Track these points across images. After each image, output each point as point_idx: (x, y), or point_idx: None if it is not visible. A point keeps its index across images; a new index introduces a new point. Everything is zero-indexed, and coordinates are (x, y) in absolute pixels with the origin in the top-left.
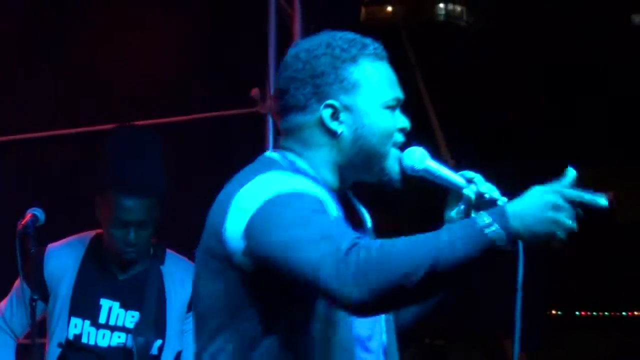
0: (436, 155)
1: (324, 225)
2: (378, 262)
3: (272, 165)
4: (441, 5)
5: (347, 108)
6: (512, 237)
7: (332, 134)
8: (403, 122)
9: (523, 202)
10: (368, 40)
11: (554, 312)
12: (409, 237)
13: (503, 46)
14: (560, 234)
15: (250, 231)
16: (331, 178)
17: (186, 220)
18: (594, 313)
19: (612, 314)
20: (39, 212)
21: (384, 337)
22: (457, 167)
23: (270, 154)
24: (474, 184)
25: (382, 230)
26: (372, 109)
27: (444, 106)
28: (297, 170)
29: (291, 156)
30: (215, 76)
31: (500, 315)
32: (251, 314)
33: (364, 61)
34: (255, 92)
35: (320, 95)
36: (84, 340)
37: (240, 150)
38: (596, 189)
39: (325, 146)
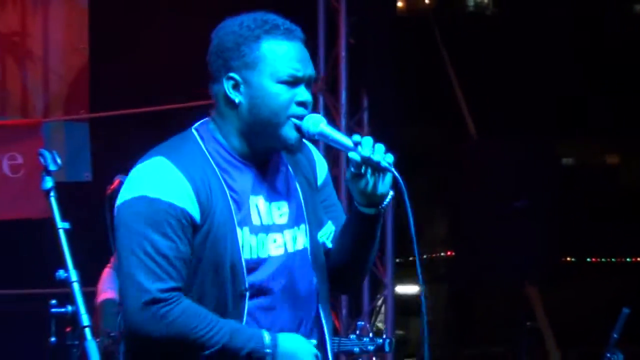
0: (463, 130)
1: (142, 263)
2: (168, 326)
3: (186, 141)
4: None
5: (246, 81)
6: None
7: (232, 103)
8: (302, 96)
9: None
10: (281, 21)
11: (568, 258)
12: (199, 315)
13: (524, 32)
14: None
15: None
16: (239, 145)
17: None
18: (603, 260)
19: (618, 260)
20: (125, 179)
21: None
22: (479, 144)
23: (194, 127)
24: (360, 146)
25: None
26: (267, 84)
27: (471, 83)
28: (213, 140)
29: (212, 126)
30: None
31: (519, 263)
32: None
33: (268, 40)
34: None
35: (226, 69)
36: None
37: None
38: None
39: (230, 115)
